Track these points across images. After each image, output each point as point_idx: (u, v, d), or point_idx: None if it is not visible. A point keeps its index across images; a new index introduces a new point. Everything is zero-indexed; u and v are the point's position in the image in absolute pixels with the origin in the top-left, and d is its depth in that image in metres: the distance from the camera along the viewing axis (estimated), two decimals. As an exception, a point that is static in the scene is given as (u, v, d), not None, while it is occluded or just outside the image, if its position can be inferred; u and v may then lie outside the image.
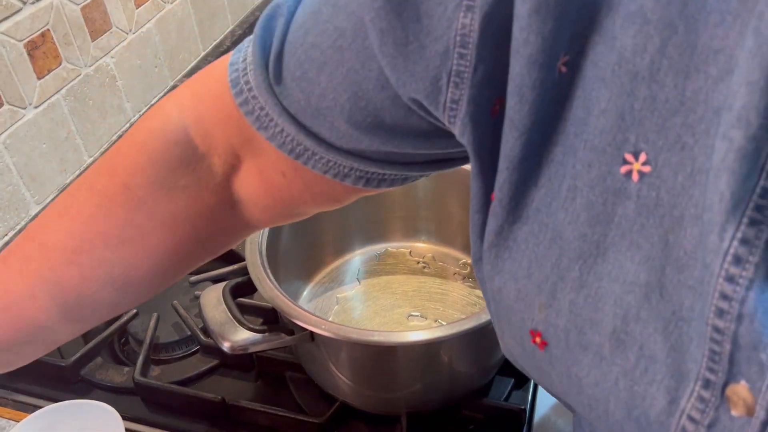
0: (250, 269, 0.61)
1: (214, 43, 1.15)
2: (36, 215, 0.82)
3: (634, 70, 0.27)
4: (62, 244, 0.42)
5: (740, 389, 0.25)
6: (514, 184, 0.31)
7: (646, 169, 0.28)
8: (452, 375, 0.62)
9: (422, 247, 0.80)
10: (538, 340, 0.32)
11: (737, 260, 0.24)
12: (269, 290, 0.58)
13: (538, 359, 0.33)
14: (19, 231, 0.80)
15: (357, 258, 0.80)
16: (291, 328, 0.59)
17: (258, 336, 0.57)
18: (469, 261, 0.78)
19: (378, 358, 0.59)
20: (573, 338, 0.31)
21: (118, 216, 0.41)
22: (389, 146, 0.37)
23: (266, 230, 0.66)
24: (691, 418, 0.27)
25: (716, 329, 0.25)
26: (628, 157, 0.28)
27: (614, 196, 0.29)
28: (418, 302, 0.74)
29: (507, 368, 0.67)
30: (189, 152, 0.40)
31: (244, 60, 0.38)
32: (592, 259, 0.30)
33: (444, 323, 0.71)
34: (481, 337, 0.59)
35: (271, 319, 0.76)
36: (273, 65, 0.36)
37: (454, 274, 0.76)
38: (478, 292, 0.74)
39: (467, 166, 0.74)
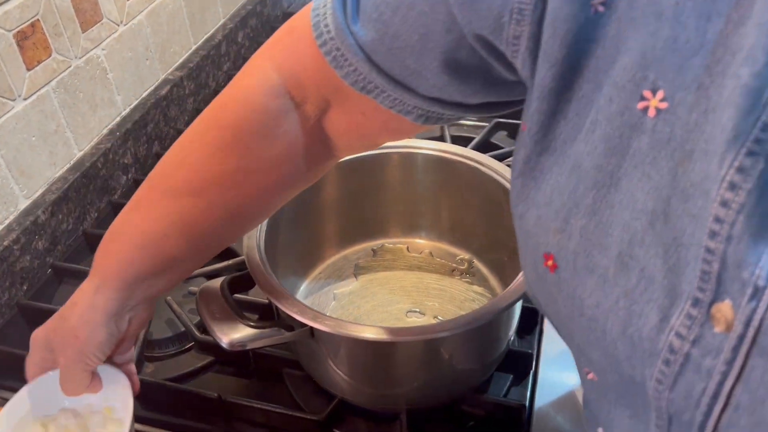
0: (249, 265, 0.60)
1: (206, 36, 1.14)
2: (25, 210, 0.81)
3: (659, 11, 0.29)
4: (184, 190, 0.48)
5: (724, 307, 0.27)
6: (544, 114, 0.34)
7: (663, 105, 0.30)
8: (452, 371, 0.61)
9: (420, 243, 0.79)
10: (550, 263, 0.35)
11: (732, 186, 0.26)
12: (269, 286, 0.57)
13: (548, 283, 0.36)
14: (8, 226, 0.78)
15: (354, 254, 0.79)
16: (290, 324, 0.58)
17: (257, 332, 0.56)
18: (467, 257, 0.77)
19: (379, 355, 0.58)
20: (581, 261, 0.33)
21: (230, 162, 0.47)
22: (451, 89, 0.40)
23: (264, 226, 0.65)
24: (678, 335, 0.29)
25: (708, 250, 0.27)
26: (647, 93, 0.30)
27: (630, 130, 0.31)
28: (416, 298, 0.73)
29: (506, 364, 0.67)
30: (287, 103, 0.46)
31: (324, 5, 0.41)
32: (605, 188, 0.32)
33: (443, 319, 0.71)
34: (482, 334, 0.58)
35: (267, 315, 0.75)
36: (350, 7, 0.40)
37: (453, 270, 0.76)
38: (477, 288, 0.74)
39: (464, 159, 0.73)
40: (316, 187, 0.72)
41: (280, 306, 0.56)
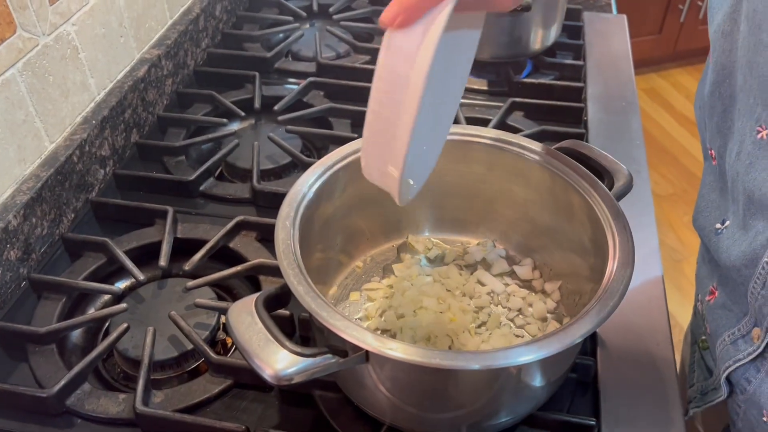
0: (290, 278, 0.50)
1: (182, 9, 1.02)
2: (-7, 214, 0.69)
3: None
4: None
5: None
6: None
7: None
8: (522, 389, 0.54)
9: (446, 237, 0.71)
10: None
11: None
12: (317, 305, 0.48)
13: None
14: (-26, 234, 0.67)
15: (380, 254, 0.70)
16: (342, 348, 0.49)
17: (307, 362, 0.47)
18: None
19: (448, 380, 0.50)
20: None
21: None
22: None
23: (297, 239, 0.55)
24: None
25: None
26: None
27: None
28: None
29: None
30: None
31: None
32: None
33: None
34: (568, 351, 0.51)
35: (287, 331, 0.66)
36: None
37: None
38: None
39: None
40: (337, 193, 0.63)
41: (334, 329, 0.47)
